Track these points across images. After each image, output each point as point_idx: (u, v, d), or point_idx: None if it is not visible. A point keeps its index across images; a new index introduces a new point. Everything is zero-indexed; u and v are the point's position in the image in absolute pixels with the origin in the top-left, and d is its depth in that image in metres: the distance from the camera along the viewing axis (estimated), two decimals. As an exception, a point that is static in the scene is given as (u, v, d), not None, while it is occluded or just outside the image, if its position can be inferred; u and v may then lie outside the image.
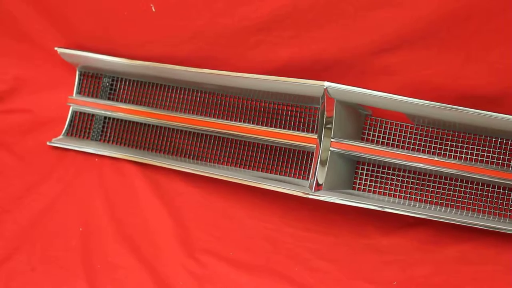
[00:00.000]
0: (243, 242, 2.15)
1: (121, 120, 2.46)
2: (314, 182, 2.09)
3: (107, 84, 2.49)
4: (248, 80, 2.18)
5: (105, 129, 2.50)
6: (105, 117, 2.49)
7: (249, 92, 2.27)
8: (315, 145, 2.11)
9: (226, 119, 2.32)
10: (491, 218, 2.10)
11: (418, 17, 2.08)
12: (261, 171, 2.30)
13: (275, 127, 2.25)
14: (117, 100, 2.48)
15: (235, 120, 2.31)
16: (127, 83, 2.47)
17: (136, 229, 2.19)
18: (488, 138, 2.11)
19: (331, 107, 2.07)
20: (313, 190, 2.08)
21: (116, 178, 2.36)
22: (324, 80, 2.05)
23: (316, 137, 2.10)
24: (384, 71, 2.18)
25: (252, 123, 2.29)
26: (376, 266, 2.06)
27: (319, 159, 2.09)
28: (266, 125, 2.27)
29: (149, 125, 2.43)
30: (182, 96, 2.39)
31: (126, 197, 2.30)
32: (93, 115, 2.50)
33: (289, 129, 2.24)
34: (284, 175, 2.28)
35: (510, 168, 2.08)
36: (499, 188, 2.11)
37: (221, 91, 2.33)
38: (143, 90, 2.45)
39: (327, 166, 2.09)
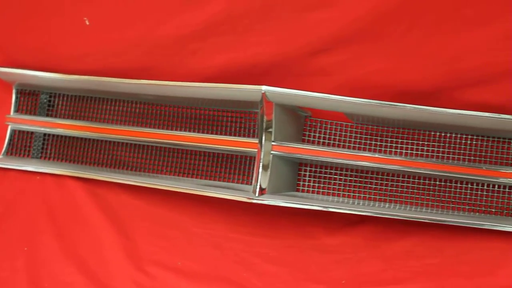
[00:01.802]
0: (191, 251, 2.14)
1: (61, 136, 2.44)
2: (258, 186, 2.09)
3: (45, 100, 2.46)
4: (186, 88, 2.17)
5: (45, 146, 2.47)
6: (44, 134, 2.46)
7: (188, 100, 2.26)
8: (256, 150, 2.11)
9: (167, 129, 2.31)
10: (434, 211, 2.12)
11: (352, 18, 2.10)
12: (205, 179, 2.30)
13: (216, 134, 2.25)
14: (56, 116, 2.46)
15: (176, 129, 2.30)
16: (65, 98, 2.45)
17: (83, 245, 2.17)
18: (427, 133, 2.14)
19: (270, 110, 2.07)
20: (257, 195, 2.08)
21: (59, 195, 2.33)
22: (262, 84, 2.06)
23: (257, 142, 2.11)
24: (321, 72, 2.19)
25: (193, 131, 2.28)
26: (324, 266, 2.06)
27: (261, 164, 2.09)
28: (207, 133, 2.27)
29: (89, 139, 2.41)
30: (121, 108, 2.38)
31: (70, 214, 2.27)
32: (32, 132, 2.47)
33: (230, 135, 2.23)
34: (228, 182, 2.27)
35: (450, 161, 2.11)
36: (440, 181, 2.14)
37: (161, 101, 2.32)
38: (81, 104, 2.43)
39: (269, 170, 2.10)
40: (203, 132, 2.28)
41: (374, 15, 2.08)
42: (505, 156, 2.11)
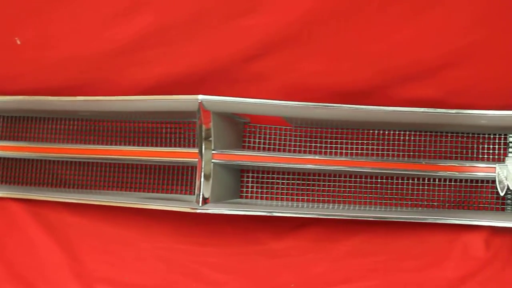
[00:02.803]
0: (137, 265, 2.13)
1: (0, 158, 2.39)
2: (201, 196, 2.08)
3: (-18, 123, 2.43)
4: (122, 102, 2.16)
5: (-17, 170, 2.43)
6: (-17, 158, 2.42)
7: (126, 114, 2.25)
8: (197, 160, 2.10)
9: (106, 144, 2.29)
10: (378, 209, 2.14)
11: (282, 23, 2.11)
12: (148, 192, 2.28)
13: (156, 146, 2.23)
14: (-7, 139, 2.42)
15: (116, 144, 2.29)
16: (2, 120, 2.41)
17: (29, 268, 2.13)
18: (366, 131, 2.16)
19: (208, 119, 2.07)
20: (200, 204, 2.08)
21: (1, 218, 2.29)
22: (198, 94, 2.06)
23: (197, 151, 2.10)
24: (257, 77, 2.19)
25: (133, 145, 2.27)
26: (272, 271, 2.06)
27: (202, 173, 2.09)
28: (147, 145, 2.26)
29: (29, 159, 2.37)
30: (59, 126, 2.35)
31: (13, 237, 2.23)
32: (-31, 156, 2.43)
33: (170, 146, 2.23)
34: (171, 193, 2.26)
35: (390, 158, 2.13)
36: (382, 178, 2.16)
37: (98, 116, 2.30)
38: (18, 124, 2.39)
39: (211, 178, 2.09)
40: (143, 145, 2.26)
41: (304, 19, 2.10)
42: (443, 149, 2.14)
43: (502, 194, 2.06)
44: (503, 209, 2.12)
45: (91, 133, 2.33)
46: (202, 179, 2.09)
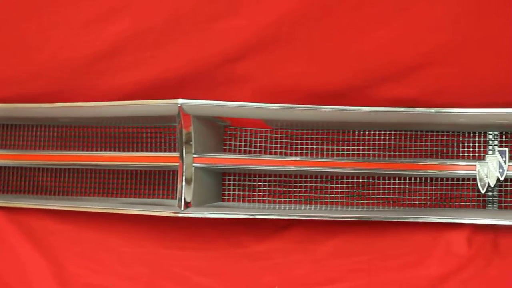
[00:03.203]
0: (121, 271, 2.12)
1: (-20, 166, 2.39)
2: (182, 200, 2.08)
3: (-42, 132, 2.41)
4: (101, 108, 2.16)
5: (-39, 178, 2.42)
6: (-37, 166, 2.40)
7: (106, 120, 2.25)
8: (178, 164, 2.10)
9: (87, 150, 2.29)
10: (360, 209, 2.14)
11: (258, 25, 2.11)
12: (130, 197, 2.28)
13: (137, 151, 2.23)
14: (-28, 148, 2.41)
15: (96, 150, 2.28)
16: (-20, 128, 2.41)
17: (12, 276, 2.12)
18: (346, 132, 2.16)
19: (189, 123, 2.07)
20: (182, 209, 2.08)
21: (-18, 227, 2.28)
22: (178, 98, 2.05)
23: (178, 155, 2.10)
24: (236, 80, 2.19)
25: (113, 151, 2.26)
26: (255, 274, 2.06)
27: (184, 177, 2.08)
28: (128, 151, 2.25)
29: (9, 167, 2.36)
30: (38, 133, 2.34)
31: (-5, 245, 2.23)
32: (-51, 165, 2.42)
33: (151, 151, 2.22)
34: (154, 198, 2.26)
35: (371, 158, 2.13)
36: (363, 178, 2.16)
37: (77, 122, 2.30)
38: (-3, 133, 2.39)
39: (193, 182, 2.09)
40: (124, 151, 2.26)
41: (280, 21, 2.10)
42: (423, 148, 2.14)
43: (483, 191, 2.08)
44: (484, 207, 2.14)
45: (71, 139, 2.33)
46: (184, 183, 2.08)
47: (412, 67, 2.08)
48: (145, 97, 2.16)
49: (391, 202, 2.15)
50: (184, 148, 2.08)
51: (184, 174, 2.08)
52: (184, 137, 2.08)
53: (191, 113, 2.06)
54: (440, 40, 2.07)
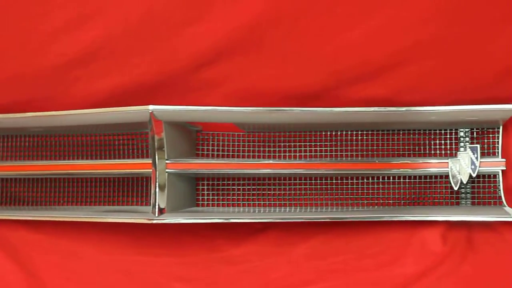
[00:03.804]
0: (97, 279, 2.10)
1: (-48, 179, 2.37)
2: (156, 206, 2.07)
3: None
4: (73, 116, 2.14)
5: None
6: None
7: (78, 128, 2.24)
8: (151, 170, 2.09)
9: (59, 159, 2.28)
10: (334, 210, 2.15)
11: (230, 29, 2.11)
12: (105, 205, 2.27)
13: (110, 158, 2.22)
14: None
15: (68, 159, 2.27)
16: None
17: (-15, 288, 2.11)
18: (319, 133, 2.17)
19: (160, 129, 2.06)
20: (156, 215, 2.07)
21: (-45, 240, 2.26)
22: (149, 104, 2.05)
23: (151, 162, 2.09)
24: (207, 84, 2.19)
25: (86, 159, 2.25)
26: (232, 278, 2.06)
27: (157, 183, 2.08)
28: (101, 158, 2.24)
29: (-19, 179, 2.35)
30: (10, 143, 2.33)
31: (-31, 258, 2.20)
32: None
33: (124, 158, 2.22)
34: (128, 205, 2.26)
35: (344, 158, 2.14)
36: (337, 179, 2.17)
37: (49, 131, 2.29)
38: (-32, 145, 2.37)
39: (166, 188, 2.08)
40: (96, 159, 2.25)
41: (253, 23, 2.09)
42: (395, 147, 2.16)
43: (456, 188, 2.09)
44: (457, 203, 2.15)
45: (44, 148, 2.31)
46: (157, 189, 2.08)
47: (382, 67, 2.09)
48: (119, 104, 2.15)
49: (366, 201, 2.17)
50: (156, 154, 2.08)
51: (157, 180, 2.08)
52: (156, 143, 2.07)
53: (163, 119, 2.06)
54: (411, 39, 2.08)
